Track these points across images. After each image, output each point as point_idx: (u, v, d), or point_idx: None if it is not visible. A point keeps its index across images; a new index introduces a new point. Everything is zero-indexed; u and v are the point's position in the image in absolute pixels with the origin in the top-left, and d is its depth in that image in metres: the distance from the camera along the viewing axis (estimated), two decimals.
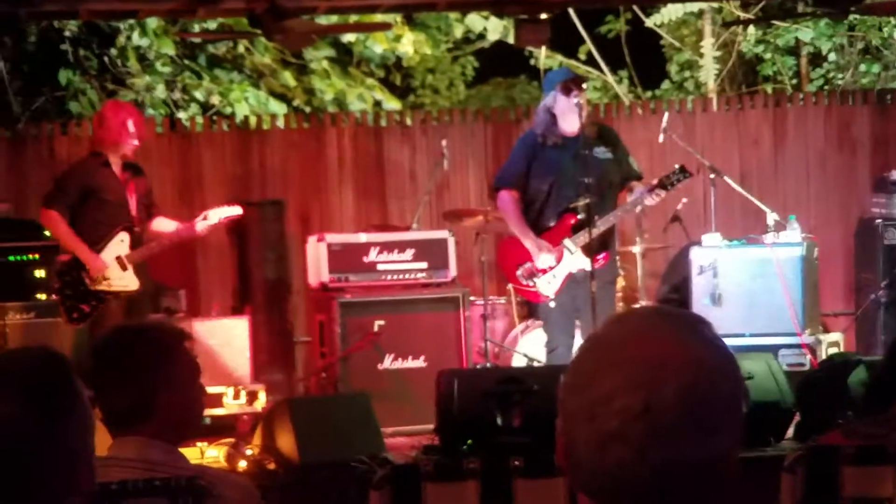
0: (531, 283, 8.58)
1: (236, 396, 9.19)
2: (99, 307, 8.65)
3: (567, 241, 8.48)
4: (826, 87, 14.80)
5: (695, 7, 14.96)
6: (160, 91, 13.92)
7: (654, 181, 8.62)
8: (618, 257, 9.29)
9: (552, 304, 8.54)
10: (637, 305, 10.11)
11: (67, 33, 13.54)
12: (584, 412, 1.72)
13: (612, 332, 1.79)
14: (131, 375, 3.35)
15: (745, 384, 1.80)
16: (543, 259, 8.48)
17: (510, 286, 9.64)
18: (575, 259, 8.45)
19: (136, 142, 8.73)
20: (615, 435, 1.69)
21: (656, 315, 1.82)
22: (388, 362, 9.38)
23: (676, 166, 8.76)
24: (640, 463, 1.69)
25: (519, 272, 8.60)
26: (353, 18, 13.10)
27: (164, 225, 8.96)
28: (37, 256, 9.77)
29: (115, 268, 8.67)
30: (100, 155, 8.78)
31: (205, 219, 8.80)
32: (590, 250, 8.30)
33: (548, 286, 8.52)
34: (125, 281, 8.69)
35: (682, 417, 1.69)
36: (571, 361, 1.80)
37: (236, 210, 9.05)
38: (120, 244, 8.70)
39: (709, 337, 1.77)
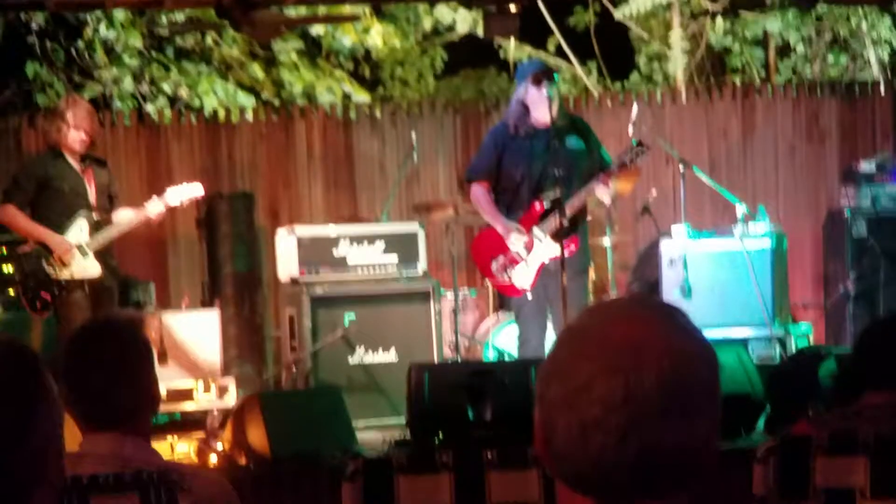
0: (506, 276, 8.56)
1: (206, 390, 9.16)
2: (61, 295, 8.65)
3: (535, 229, 8.47)
4: (794, 79, 14.85)
5: None
6: (128, 83, 13.84)
7: (613, 164, 8.57)
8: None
9: (528, 297, 8.52)
10: (608, 297, 10.12)
11: (34, 25, 13.46)
12: (564, 401, 1.73)
13: (589, 321, 1.79)
14: (121, 372, 3.32)
15: (720, 370, 1.81)
16: (514, 239, 8.46)
17: (487, 281, 9.62)
18: (545, 246, 8.44)
19: (82, 136, 8.72)
20: (596, 423, 1.70)
21: (632, 303, 1.83)
22: (359, 356, 9.37)
23: (633, 141, 8.71)
24: (622, 450, 1.69)
25: (494, 266, 8.58)
26: (321, 10, 13.05)
27: (125, 214, 8.97)
28: (4, 251, 9.72)
29: (76, 255, 8.68)
30: (54, 148, 8.82)
31: (165, 204, 8.84)
32: (559, 237, 8.29)
33: (523, 277, 8.50)
34: (85, 267, 8.69)
35: (662, 404, 1.70)
36: (549, 351, 1.80)
37: (197, 189, 9.05)
38: (79, 232, 8.72)
39: (684, 324, 1.79)
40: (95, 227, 8.78)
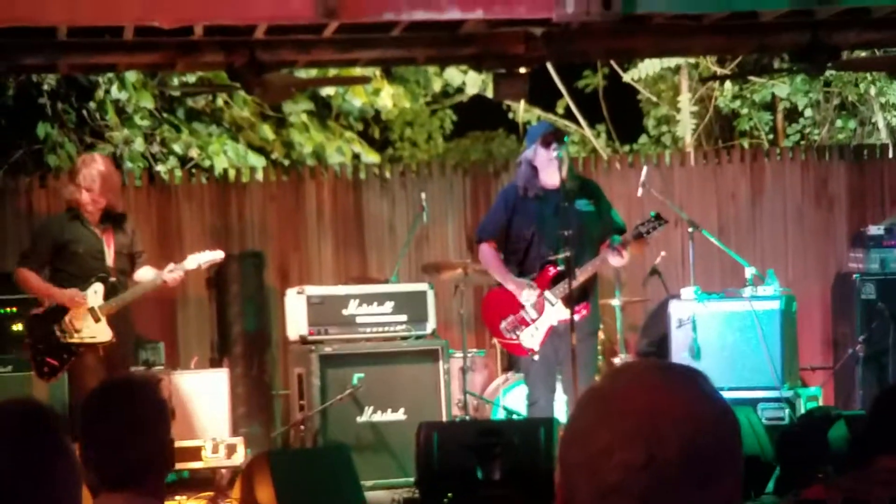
0: (515, 336, 8.57)
1: (215, 450, 9.15)
2: (71, 360, 8.56)
3: (548, 294, 8.49)
4: (802, 143, 14.89)
5: (672, 62, 15.06)
6: (139, 144, 13.90)
7: (629, 232, 8.63)
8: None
9: (536, 357, 8.53)
10: (617, 359, 10.12)
11: (46, 87, 13.53)
12: (585, 466, 1.72)
13: (609, 385, 1.79)
14: (139, 432, 3.32)
15: (741, 434, 1.80)
16: (526, 295, 8.47)
17: (495, 340, 9.63)
18: (556, 310, 8.45)
19: (94, 197, 8.62)
20: (617, 488, 1.69)
21: (653, 368, 1.82)
22: (368, 415, 9.36)
23: (651, 214, 8.77)
24: None
25: (503, 325, 8.59)
26: (332, 72, 13.13)
27: (145, 274, 8.90)
28: (14, 310, 9.72)
29: (88, 319, 8.59)
30: (72, 209, 8.76)
31: (171, 271, 8.75)
32: (570, 302, 8.31)
33: (531, 339, 8.51)
34: (96, 332, 8.61)
35: (684, 469, 1.69)
36: (569, 415, 1.81)
37: (217, 254, 8.98)
38: (93, 295, 8.64)
39: (705, 388, 1.77)
40: (111, 291, 8.69)
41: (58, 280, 8.69)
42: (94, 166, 8.73)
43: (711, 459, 1.71)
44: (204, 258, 8.89)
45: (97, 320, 8.62)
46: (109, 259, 8.75)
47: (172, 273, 8.75)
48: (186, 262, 8.79)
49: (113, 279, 8.74)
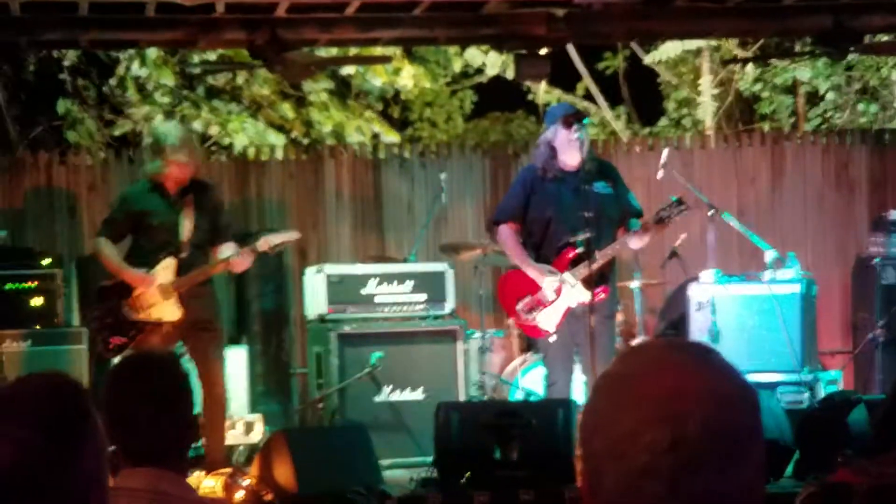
0: (531, 318, 8.54)
1: (233, 427, 9.16)
2: (137, 337, 8.29)
3: (566, 275, 8.45)
4: (823, 127, 14.85)
5: (693, 45, 15.02)
6: (159, 121, 13.91)
7: (651, 216, 8.59)
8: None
9: (552, 339, 8.50)
10: (635, 341, 10.10)
11: (66, 62, 13.55)
12: (611, 451, 1.71)
13: (626, 368, 1.77)
14: (165, 407, 3.32)
15: (760, 409, 1.80)
16: (548, 283, 8.43)
17: (511, 321, 9.61)
18: (575, 292, 8.42)
19: (178, 170, 8.23)
20: (646, 471, 1.68)
21: (668, 348, 1.80)
22: (386, 394, 9.37)
23: (673, 198, 8.73)
24: (674, 497, 1.67)
25: (519, 306, 8.56)
26: (353, 51, 13.13)
27: (226, 249, 8.48)
28: (34, 284, 9.72)
29: (157, 296, 8.28)
30: (152, 180, 8.42)
31: (253, 250, 8.35)
32: (589, 284, 8.28)
33: (548, 320, 8.48)
34: (164, 311, 8.31)
35: (709, 448, 1.68)
36: (588, 401, 1.79)
37: (292, 234, 8.71)
38: (164, 271, 8.31)
39: (722, 366, 1.76)
40: (184, 266, 8.33)
41: (134, 253, 8.40)
42: (177, 136, 8.36)
43: (733, 437, 1.70)
44: (276, 239, 8.51)
45: (167, 297, 8.29)
46: (185, 233, 8.36)
47: (243, 255, 8.33)
48: (258, 243, 8.39)
49: (184, 254, 8.36)
